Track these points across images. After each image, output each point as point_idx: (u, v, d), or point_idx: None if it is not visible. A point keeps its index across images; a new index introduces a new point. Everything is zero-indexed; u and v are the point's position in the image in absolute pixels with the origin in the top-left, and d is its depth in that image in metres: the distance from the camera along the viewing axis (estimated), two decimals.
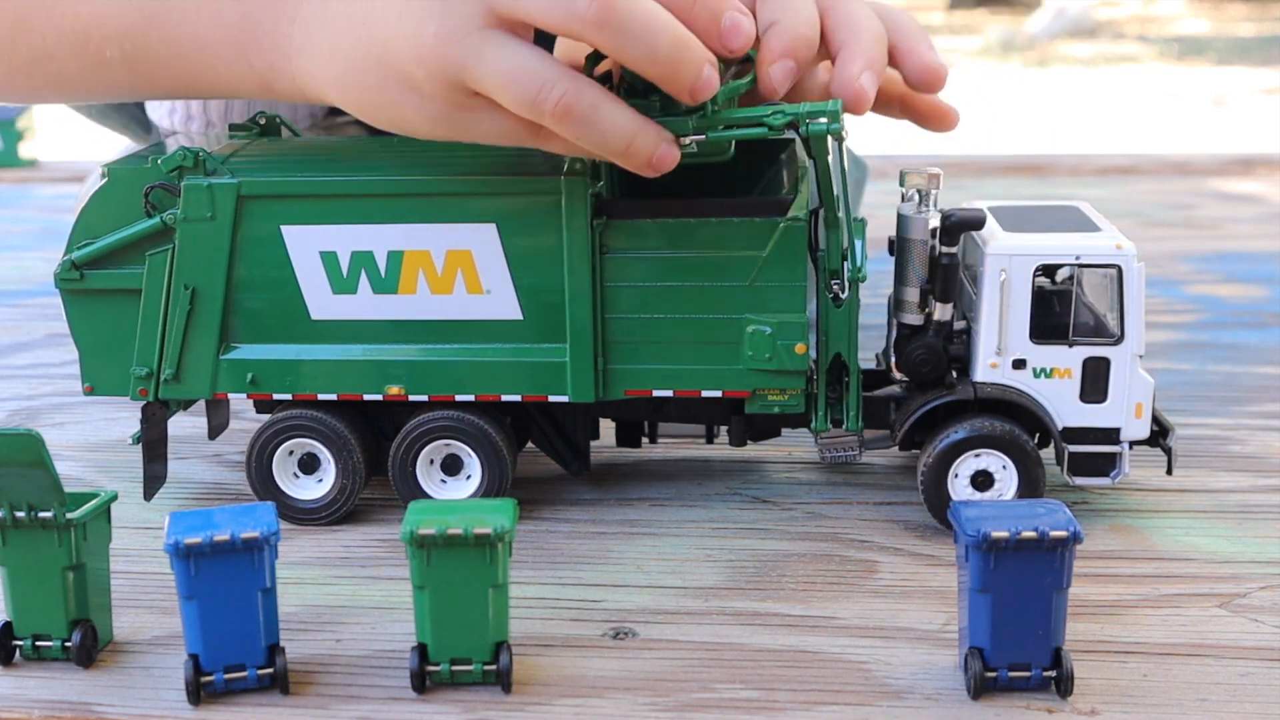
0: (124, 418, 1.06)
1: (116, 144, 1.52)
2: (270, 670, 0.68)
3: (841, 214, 0.81)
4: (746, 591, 0.78)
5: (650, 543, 0.85)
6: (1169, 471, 0.86)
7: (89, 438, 1.03)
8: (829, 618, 0.75)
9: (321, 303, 0.84)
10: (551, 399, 0.85)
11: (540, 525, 0.87)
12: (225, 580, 0.66)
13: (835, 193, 0.80)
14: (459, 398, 0.85)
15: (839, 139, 0.77)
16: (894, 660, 0.71)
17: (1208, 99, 5.22)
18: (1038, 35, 7.15)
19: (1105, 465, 0.84)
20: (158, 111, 1.29)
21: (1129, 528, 0.85)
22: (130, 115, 1.42)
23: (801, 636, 0.73)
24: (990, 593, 0.65)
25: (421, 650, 0.68)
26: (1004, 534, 0.64)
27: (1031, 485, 0.84)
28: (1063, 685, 0.66)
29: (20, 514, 0.68)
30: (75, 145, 2.25)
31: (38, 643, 0.71)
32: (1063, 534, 0.64)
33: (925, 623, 0.74)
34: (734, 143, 0.78)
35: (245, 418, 1.00)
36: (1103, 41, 6.99)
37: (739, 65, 0.81)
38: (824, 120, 0.76)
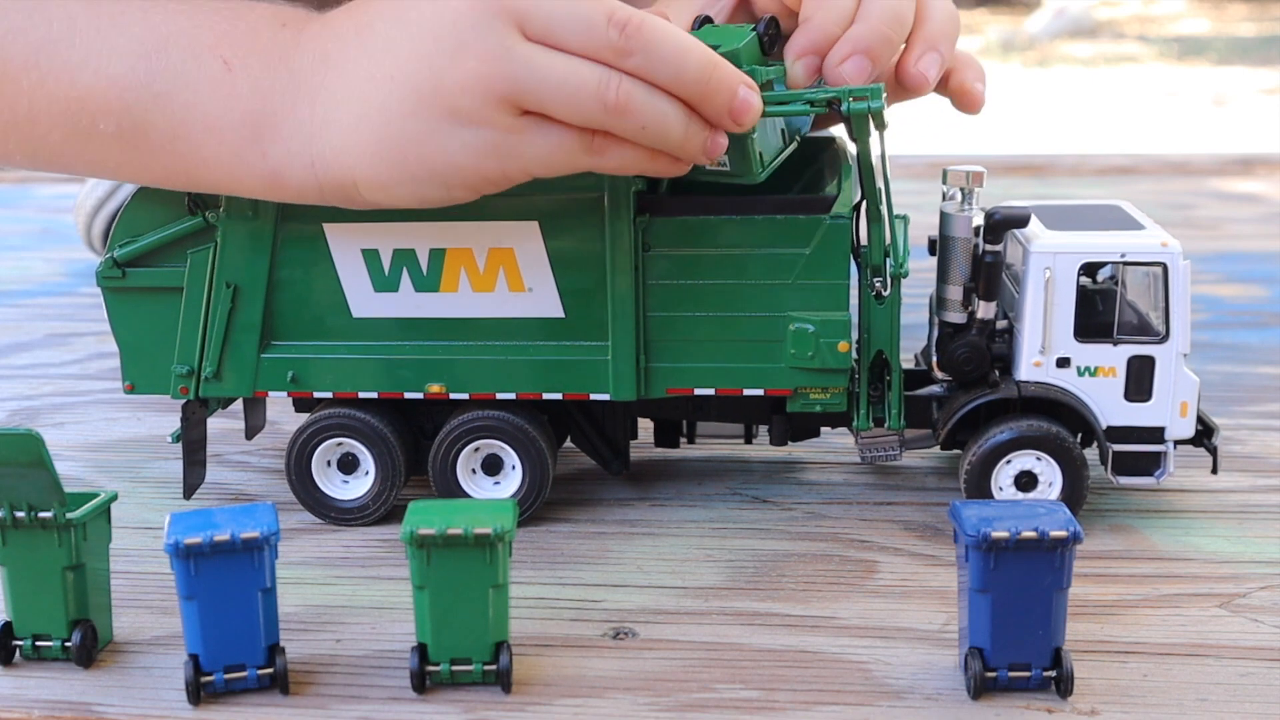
0: (124, 418, 1.06)
1: None
2: (270, 670, 0.68)
3: (884, 207, 0.81)
4: (746, 591, 0.78)
5: (650, 543, 0.85)
6: (1214, 471, 0.86)
7: (89, 438, 1.03)
8: (829, 618, 0.75)
9: (363, 301, 0.84)
10: (593, 397, 0.85)
11: (540, 525, 0.87)
12: (225, 580, 0.66)
13: (877, 184, 0.80)
14: (500, 396, 0.85)
15: (880, 121, 0.77)
16: (894, 660, 0.71)
17: (1208, 99, 5.22)
18: (1038, 35, 7.15)
19: (1150, 465, 0.84)
20: None
21: (1129, 528, 0.85)
22: None
23: (801, 636, 0.73)
24: (990, 593, 0.65)
25: (421, 650, 0.68)
26: (1004, 534, 0.64)
27: (1076, 485, 0.83)
28: (1063, 685, 0.66)
29: (20, 514, 0.68)
30: None
31: (38, 643, 0.71)
32: (1063, 534, 0.64)
33: (925, 623, 0.74)
34: (765, 165, 0.79)
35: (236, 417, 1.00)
36: (1103, 41, 6.99)
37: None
38: (865, 100, 0.76)
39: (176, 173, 0.77)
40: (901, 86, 0.83)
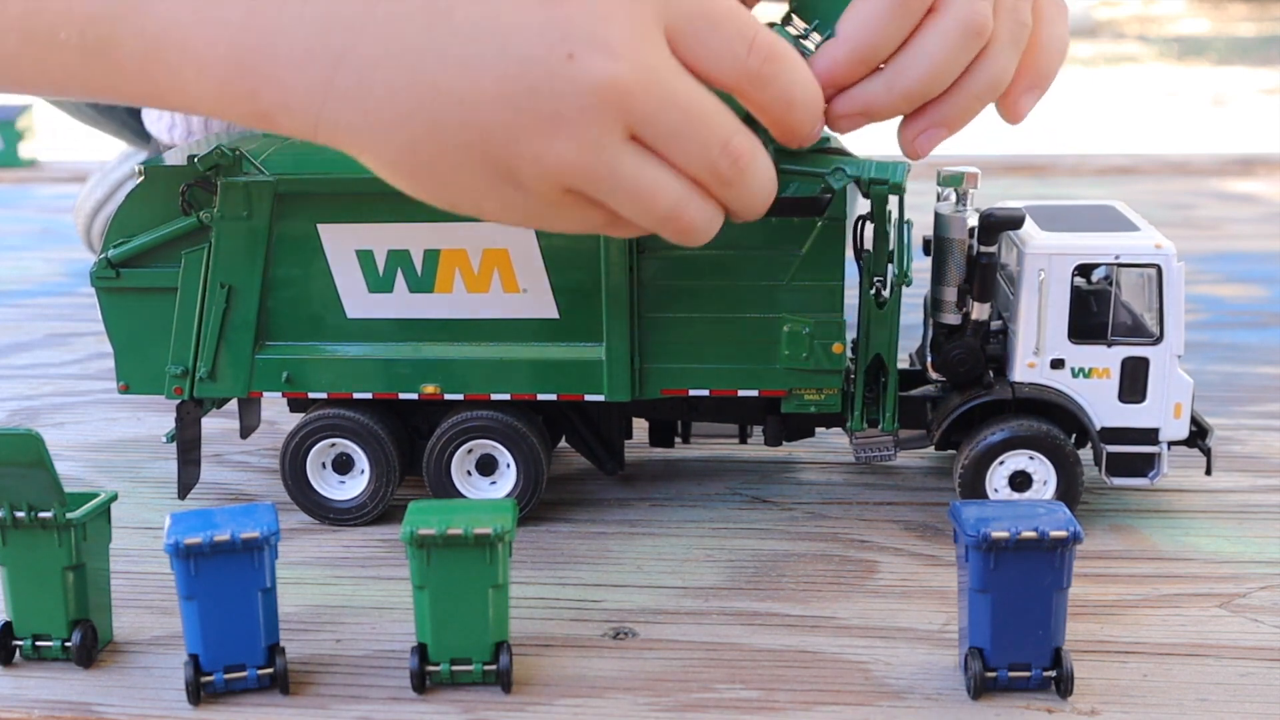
0: (123, 418, 1.06)
1: (115, 146, 1.52)
2: (270, 670, 0.68)
3: (892, 266, 0.82)
4: (746, 591, 0.78)
5: (650, 543, 0.85)
6: (1208, 472, 0.86)
7: (89, 438, 1.03)
8: (829, 618, 0.75)
9: (357, 301, 0.85)
10: (587, 398, 0.85)
11: (540, 525, 0.87)
12: (225, 580, 0.66)
13: (889, 249, 0.82)
14: (494, 397, 0.85)
15: (898, 190, 0.78)
16: (894, 660, 0.71)
17: (1208, 99, 5.22)
18: None
19: (1144, 466, 0.84)
20: (156, 126, 1.28)
21: (1129, 528, 0.85)
22: (123, 122, 1.41)
23: (801, 636, 0.73)
24: (990, 593, 0.65)
25: (421, 650, 0.68)
26: (1004, 534, 0.64)
27: (1071, 486, 0.83)
28: (1063, 685, 0.66)
29: (20, 514, 0.68)
30: (75, 145, 2.25)
31: (38, 643, 0.71)
32: (1063, 534, 0.64)
33: (925, 623, 0.74)
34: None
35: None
36: (1103, 41, 6.99)
37: None
38: (884, 183, 0.77)
39: (152, 96, 0.67)
40: (999, 115, 0.78)
